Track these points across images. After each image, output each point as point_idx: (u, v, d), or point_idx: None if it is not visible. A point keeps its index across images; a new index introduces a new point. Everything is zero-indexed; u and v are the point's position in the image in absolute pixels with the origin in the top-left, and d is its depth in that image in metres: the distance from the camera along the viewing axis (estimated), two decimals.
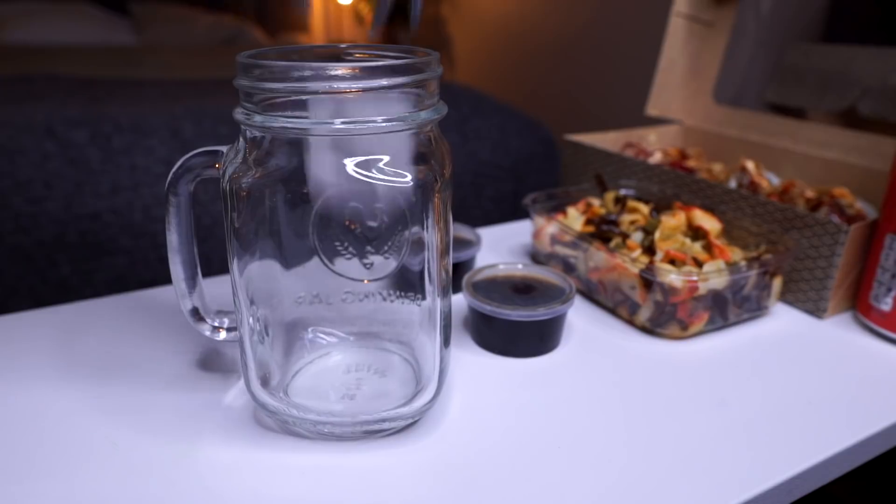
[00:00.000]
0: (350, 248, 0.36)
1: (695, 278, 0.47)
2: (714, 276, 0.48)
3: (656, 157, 0.76)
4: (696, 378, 0.45)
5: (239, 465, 0.35)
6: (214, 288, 0.51)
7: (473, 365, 0.45)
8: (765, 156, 0.75)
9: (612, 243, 0.54)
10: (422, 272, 0.36)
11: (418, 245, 0.35)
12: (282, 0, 3.24)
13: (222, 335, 0.41)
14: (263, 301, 0.36)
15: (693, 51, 0.85)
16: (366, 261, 0.35)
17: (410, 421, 0.38)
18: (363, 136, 0.32)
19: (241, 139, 0.34)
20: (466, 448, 0.37)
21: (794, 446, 0.38)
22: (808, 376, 0.45)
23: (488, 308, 0.45)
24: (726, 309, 0.50)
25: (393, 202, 0.33)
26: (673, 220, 0.54)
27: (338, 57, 0.37)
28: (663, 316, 0.49)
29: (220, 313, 0.41)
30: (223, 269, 0.43)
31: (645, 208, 0.58)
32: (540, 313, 0.45)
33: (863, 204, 0.62)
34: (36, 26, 2.30)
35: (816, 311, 0.54)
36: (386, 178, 0.32)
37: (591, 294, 0.55)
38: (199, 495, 0.33)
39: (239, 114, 0.33)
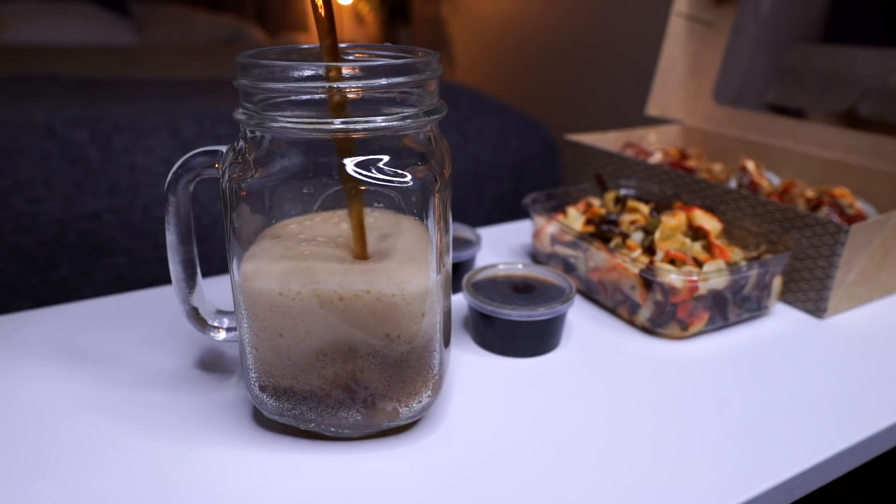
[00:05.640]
0: None
1: (695, 278, 0.47)
2: (714, 276, 0.48)
3: (656, 157, 0.76)
4: (696, 378, 0.45)
5: (239, 465, 0.35)
6: (214, 288, 0.51)
7: (473, 365, 0.45)
8: (765, 156, 0.75)
9: (612, 243, 0.54)
10: None
11: None
12: (282, 0, 3.24)
13: (222, 335, 0.41)
14: None
15: (693, 51, 0.85)
16: None
17: (410, 421, 0.38)
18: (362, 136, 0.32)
19: (240, 139, 0.34)
20: (466, 448, 0.37)
21: (794, 446, 0.38)
22: (808, 376, 0.45)
23: (488, 308, 0.45)
24: (726, 309, 0.50)
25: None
26: (673, 220, 0.54)
27: None
28: (663, 316, 0.49)
29: (220, 313, 0.41)
30: (223, 269, 0.43)
31: (645, 208, 0.58)
32: (540, 313, 0.45)
33: (863, 204, 0.62)
34: (36, 26, 2.30)
35: (816, 311, 0.54)
36: (386, 177, 0.32)
37: (591, 294, 0.55)
38: (199, 495, 0.33)
39: (239, 114, 0.33)
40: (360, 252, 0.34)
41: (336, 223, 0.34)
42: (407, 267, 0.34)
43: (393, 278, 0.33)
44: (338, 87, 0.30)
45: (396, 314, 0.34)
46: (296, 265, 0.33)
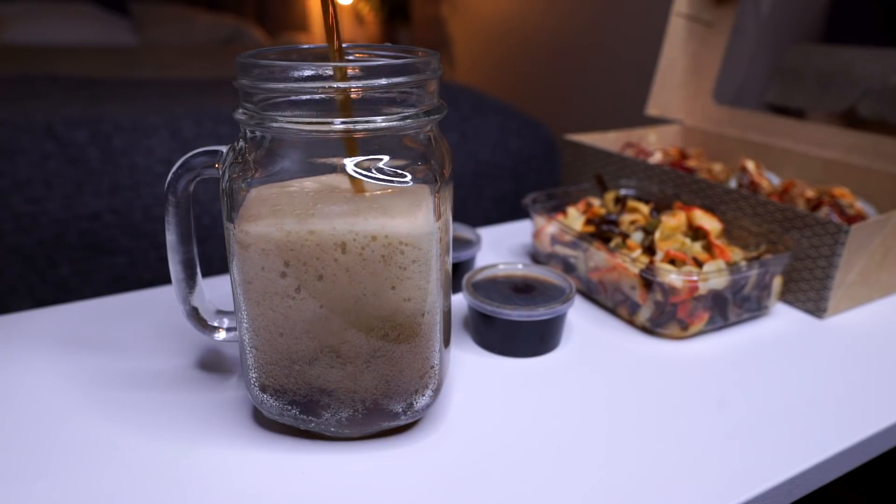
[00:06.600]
0: None
1: (695, 278, 0.47)
2: (714, 276, 0.48)
3: (656, 157, 0.76)
4: (696, 378, 0.45)
5: (239, 465, 0.35)
6: (214, 288, 0.51)
7: (473, 365, 0.45)
8: (765, 156, 0.75)
9: (612, 243, 0.54)
10: None
11: None
12: (282, 0, 3.24)
13: (222, 335, 0.41)
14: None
15: (693, 51, 0.85)
16: None
17: (410, 421, 0.38)
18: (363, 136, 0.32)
19: (240, 139, 0.34)
20: (466, 448, 0.37)
21: (794, 446, 0.38)
22: (808, 376, 0.45)
23: (488, 308, 0.45)
24: (726, 309, 0.50)
25: None
26: (673, 220, 0.54)
27: None
28: (663, 316, 0.49)
29: (220, 313, 0.41)
30: (223, 269, 0.43)
31: (645, 208, 0.58)
32: (540, 313, 0.45)
33: (863, 204, 0.62)
34: (36, 26, 2.30)
35: (816, 311, 0.54)
36: (386, 177, 0.32)
37: (591, 294, 0.55)
38: (199, 495, 0.33)
39: (239, 114, 0.33)
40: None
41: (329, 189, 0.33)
42: (415, 214, 0.33)
43: (399, 223, 0.32)
44: (341, 87, 0.30)
45: (395, 296, 0.33)
46: (296, 218, 0.32)
